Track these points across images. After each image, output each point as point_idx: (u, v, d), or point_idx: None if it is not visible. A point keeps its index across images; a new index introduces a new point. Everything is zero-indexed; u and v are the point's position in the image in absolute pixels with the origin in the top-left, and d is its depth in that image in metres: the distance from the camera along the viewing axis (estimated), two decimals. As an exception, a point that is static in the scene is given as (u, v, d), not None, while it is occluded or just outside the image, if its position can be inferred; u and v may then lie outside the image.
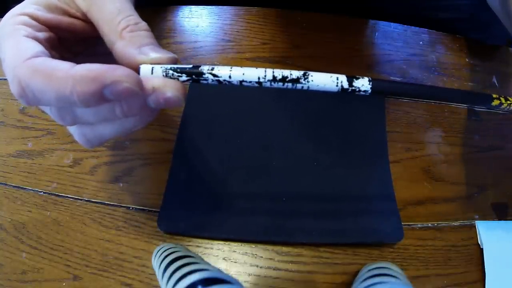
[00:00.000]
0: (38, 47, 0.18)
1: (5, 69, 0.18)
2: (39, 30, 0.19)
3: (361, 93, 0.19)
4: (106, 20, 0.20)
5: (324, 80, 0.19)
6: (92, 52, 0.24)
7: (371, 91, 0.19)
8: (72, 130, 0.22)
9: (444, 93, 0.21)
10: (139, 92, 0.17)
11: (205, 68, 0.19)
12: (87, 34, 0.22)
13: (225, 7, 0.44)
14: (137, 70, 0.19)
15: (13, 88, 0.17)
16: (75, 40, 0.22)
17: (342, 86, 0.19)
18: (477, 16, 0.46)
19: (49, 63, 0.17)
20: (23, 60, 0.17)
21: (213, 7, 0.44)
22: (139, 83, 0.17)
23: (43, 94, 0.17)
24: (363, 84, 0.19)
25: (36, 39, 0.19)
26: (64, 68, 0.17)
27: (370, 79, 0.19)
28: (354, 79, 0.19)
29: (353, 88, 0.19)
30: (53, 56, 0.18)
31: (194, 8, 0.44)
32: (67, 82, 0.16)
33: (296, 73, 0.19)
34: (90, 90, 0.16)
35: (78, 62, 0.17)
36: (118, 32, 0.19)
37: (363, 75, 0.19)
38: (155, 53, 0.19)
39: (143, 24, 0.20)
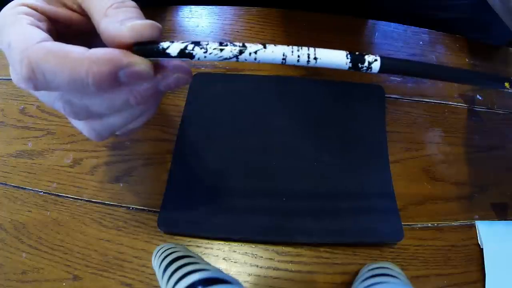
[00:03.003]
0: (45, 34, 0.18)
1: (10, 53, 0.18)
2: (40, 20, 0.19)
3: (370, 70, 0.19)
4: (96, 6, 0.19)
5: (332, 58, 0.18)
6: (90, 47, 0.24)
7: (380, 69, 0.19)
8: (81, 126, 0.22)
9: (450, 73, 0.21)
10: (152, 75, 0.18)
11: (198, 53, 0.19)
12: (83, 28, 0.22)
13: (225, 7, 0.44)
14: (123, 47, 0.18)
15: (21, 70, 0.17)
16: (72, 34, 0.22)
17: (351, 60, 0.19)
18: (477, 16, 0.46)
19: (63, 46, 0.17)
20: (34, 43, 0.17)
21: (213, 7, 0.44)
22: (152, 66, 0.18)
23: (54, 76, 0.17)
24: (371, 65, 0.19)
25: (39, 28, 0.19)
26: (79, 50, 0.17)
27: (378, 60, 0.19)
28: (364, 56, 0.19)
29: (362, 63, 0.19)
30: None
31: (194, 8, 0.44)
32: (82, 62, 0.16)
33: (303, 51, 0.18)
34: (106, 71, 0.16)
35: None
36: (103, 13, 0.18)
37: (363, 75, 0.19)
38: (137, 21, 0.18)
39: (131, 2, 0.19)
